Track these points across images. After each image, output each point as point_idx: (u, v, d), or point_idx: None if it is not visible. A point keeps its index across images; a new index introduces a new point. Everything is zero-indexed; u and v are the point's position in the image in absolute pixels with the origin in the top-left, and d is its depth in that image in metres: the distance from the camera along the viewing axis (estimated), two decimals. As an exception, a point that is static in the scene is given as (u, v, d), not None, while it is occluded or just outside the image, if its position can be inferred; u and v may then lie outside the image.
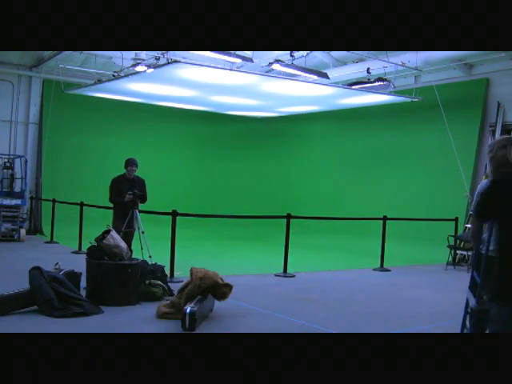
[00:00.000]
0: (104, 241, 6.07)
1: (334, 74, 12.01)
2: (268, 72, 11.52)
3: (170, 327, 5.14)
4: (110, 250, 6.06)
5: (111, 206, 8.22)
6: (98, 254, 6.09)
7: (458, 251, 10.77)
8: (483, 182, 3.99)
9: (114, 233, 6.27)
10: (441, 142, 12.04)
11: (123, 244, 6.27)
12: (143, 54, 10.69)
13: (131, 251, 6.74)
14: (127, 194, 7.77)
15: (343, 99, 12.53)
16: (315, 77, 10.88)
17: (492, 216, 3.23)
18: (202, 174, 16.06)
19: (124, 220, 7.78)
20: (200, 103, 13.89)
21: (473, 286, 3.90)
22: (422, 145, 12.90)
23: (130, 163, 7.99)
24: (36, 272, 5.56)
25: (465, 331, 4.07)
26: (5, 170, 12.74)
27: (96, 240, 6.17)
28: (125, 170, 8.01)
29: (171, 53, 9.92)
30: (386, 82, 11.02)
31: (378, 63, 10.97)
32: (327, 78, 10.90)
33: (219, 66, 9.90)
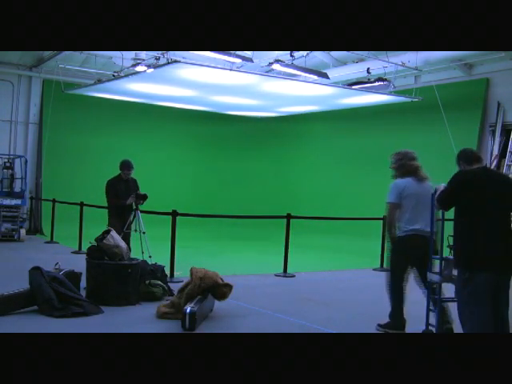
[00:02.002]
0: (104, 241, 6.07)
1: (334, 73, 12.00)
2: (268, 72, 11.51)
3: (170, 327, 5.14)
4: (109, 249, 6.06)
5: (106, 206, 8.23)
6: (98, 253, 6.09)
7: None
8: (404, 180, 5.29)
9: (113, 233, 6.27)
10: (441, 142, 12.02)
11: (123, 244, 6.27)
12: (143, 54, 10.68)
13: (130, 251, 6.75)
14: (130, 197, 7.80)
15: (343, 99, 12.53)
16: (315, 77, 10.88)
17: (454, 205, 4.08)
18: (202, 173, 16.05)
19: (121, 220, 7.80)
20: (200, 103, 13.88)
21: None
22: (422, 145, 12.87)
23: (127, 167, 7.98)
24: (36, 272, 5.56)
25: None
26: (5, 170, 12.74)
27: (96, 240, 6.17)
28: (120, 171, 8.03)
29: (171, 53, 9.91)
30: (386, 82, 11.01)
31: (378, 63, 10.97)
32: (327, 78, 10.89)
33: (219, 66, 9.89)
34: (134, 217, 7.89)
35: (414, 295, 7.52)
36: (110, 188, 7.94)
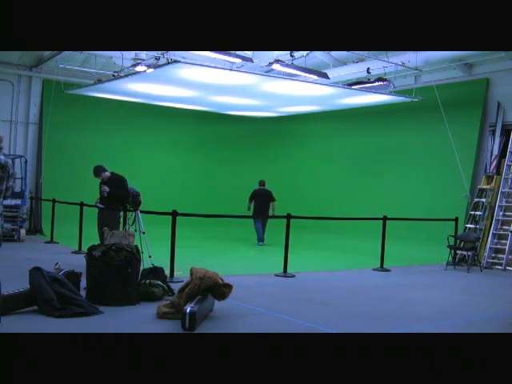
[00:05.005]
0: (104, 240, 6.07)
1: (334, 74, 12.01)
2: (268, 72, 11.50)
3: (170, 327, 5.14)
4: (110, 248, 6.05)
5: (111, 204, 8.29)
6: (99, 253, 6.09)
7: (458, 251, 10.78)
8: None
9: (114, 232, 6.27)
10: (441, 142, 12.03)
11: (124, 242, 6.27)
12: (143, 54, 10.69)
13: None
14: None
15: (343, 99, 12.53)
16: (315, 77, 10.88)
17: None
18: (202, 173, 16.06)
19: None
20: (200, 103, 13.87)
21: None
22: (422, 145, 12.89)
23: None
24: (36, 272, 5.55)
25: None
26: (5, 170, 12.73)
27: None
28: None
29: (171, 53, 9.91)
30: (386, 82, 11.01)
31: (378, 63, 10.97)
32: (327, 77, 10.89)
33: (219, 66, 9.89)
34: (134, 217, 7.92)
35: (414, 295, 7.52)
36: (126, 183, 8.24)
